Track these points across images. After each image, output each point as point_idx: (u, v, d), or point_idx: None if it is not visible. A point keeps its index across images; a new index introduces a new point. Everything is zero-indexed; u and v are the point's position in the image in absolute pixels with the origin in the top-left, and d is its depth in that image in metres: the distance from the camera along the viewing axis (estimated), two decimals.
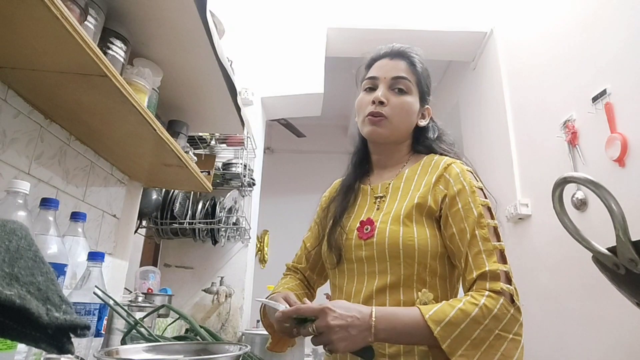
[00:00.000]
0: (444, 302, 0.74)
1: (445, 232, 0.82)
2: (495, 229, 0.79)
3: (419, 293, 0.80)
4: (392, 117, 0.91)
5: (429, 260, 0.81)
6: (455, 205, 0.81)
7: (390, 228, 0.83)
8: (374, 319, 0.70)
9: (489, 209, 0.81)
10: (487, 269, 0.74)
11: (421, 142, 0.98)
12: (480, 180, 0.87)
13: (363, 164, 1.03)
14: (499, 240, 0.78)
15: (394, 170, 0.96)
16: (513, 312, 0.71)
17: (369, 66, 0.98)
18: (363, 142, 1.02)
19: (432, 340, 0.69)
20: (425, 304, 0.77)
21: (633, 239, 0.49)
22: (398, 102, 0.91)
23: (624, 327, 1.48)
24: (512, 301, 0.72)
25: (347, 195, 0.98)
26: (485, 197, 0.83)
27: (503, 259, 0.76)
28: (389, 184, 0.93)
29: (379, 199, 0.92)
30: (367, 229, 0.87)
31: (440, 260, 0.82)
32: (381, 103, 0.90)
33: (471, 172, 0.87)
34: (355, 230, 0.89)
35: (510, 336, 0.70)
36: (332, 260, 0.91)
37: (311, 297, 1.03)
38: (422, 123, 0.97)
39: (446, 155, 0.92)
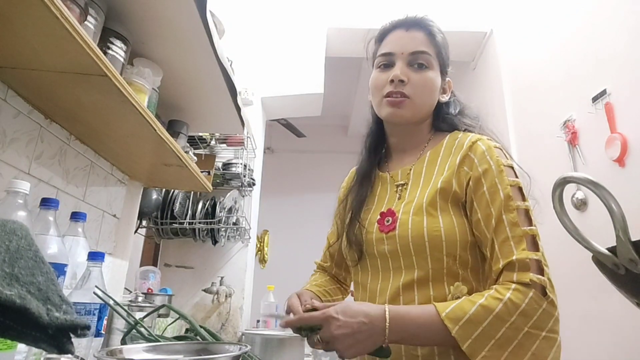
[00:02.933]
0: (463, 297, 0.67)
1: (471, 219, 0.74)
2: (527, 212, 0.70)
3: (451, 287, 0.72)
4: (414, 97, 0.81)
5: (459, 251, 0.72)
6: (481, 188, 0.73)
7: (413, 219, 0.75)
8: (387, 322, 0.65)
9: (520, 190, 0.72)
10: (514, 257, 0.66)
11: (442, 119, 0.88)
12: (511, 157, 0.78)
13: (379, 147, 0.94)
14: (530, 224, 0.69)
15: (415, 153, 0.87)
16: (545, 307, 0.64)
17: (381, 39, 0.89)
18: (378, 123, 0.93)
19: (451, 341, 0.63)
20: (458, 298, 0.70)
21: (633, 239, 0.49)
22: (420, 79, 0.82)
23: (624, 327, 1.48)
24: (545, 294, 0.64)
25: (363, 184, 0.90)
26: (516, 176, 0.74)
27: (535, 246, 0.68)
28: (410, 169, 0.84)
29: (400, 187, 0.84)
30: (388, 221, 0.79)
31: (471, 251, 0.74)
32: (401, 82, 0.81)
33: (500, 149, 0.78)
34: (376, 223, 0.81)
35: (543, 334, 0.63)
36: (353, 257, 0.85)
37: (344, 292, 0.99)
38: (444, 98, 0.88)
39: (471, 132, 0.83)
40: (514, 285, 0.65)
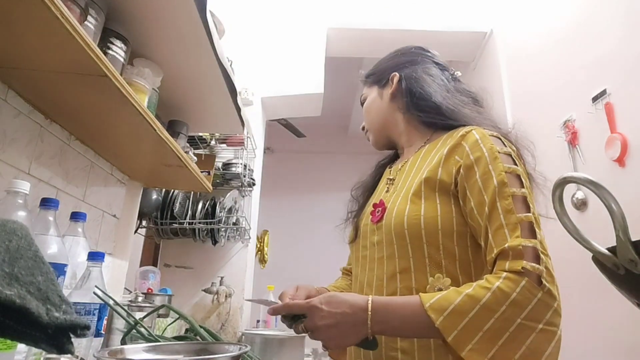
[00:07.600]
0: (451, 288, 0.65)
1: (465, 208, 0.72)
2: (525, 199, 0.66)
3: (431, 279, 0.70)
4: (368, 126, 0.98)
5: (442, 240, 0.71)
6: (473, 176, 0.71)
7: (397, 208, 0.76)
8: (369, 312, 0.64)
9: (518, 177, 0.69)
10: (507, 245, 0.63)
11: (426, 116, 0.88)
12: (511, 145, 0.76)
13: (393, 152, 1.04)
14: (528, 211, 0.66)
15: (414, 150, 0.90)
16: (541, 297, 0.60)
17: None
18: None
19: (436, 333, 0.61)
20: (440, 290, 0.68)
21: (633, 239, 0.49)
22: (363, 112, 0.99)
23: (624, 327, 1.48)
24: (540, 283, 0.61)
25: (369, 178, 0.99)
26: (515, 164, 0.71)
27: (531, 233, 0.64)
28: (405, 162, 0.88)
29: (392, 180, 0.88)
30: (378, 212, 0.81)
31: (460, 241, 0.71)
32: (362, 129, 1.01)
33: (497, 137, 0.75)
34: (370, 215, 0.84)
35: (540, 326, 0.59)
36: (352, 236, 0.89)
37: None
38: (388, 93, 0.93)
39: (468, 124, 0.80)
40: (505, 274, 0.62)
